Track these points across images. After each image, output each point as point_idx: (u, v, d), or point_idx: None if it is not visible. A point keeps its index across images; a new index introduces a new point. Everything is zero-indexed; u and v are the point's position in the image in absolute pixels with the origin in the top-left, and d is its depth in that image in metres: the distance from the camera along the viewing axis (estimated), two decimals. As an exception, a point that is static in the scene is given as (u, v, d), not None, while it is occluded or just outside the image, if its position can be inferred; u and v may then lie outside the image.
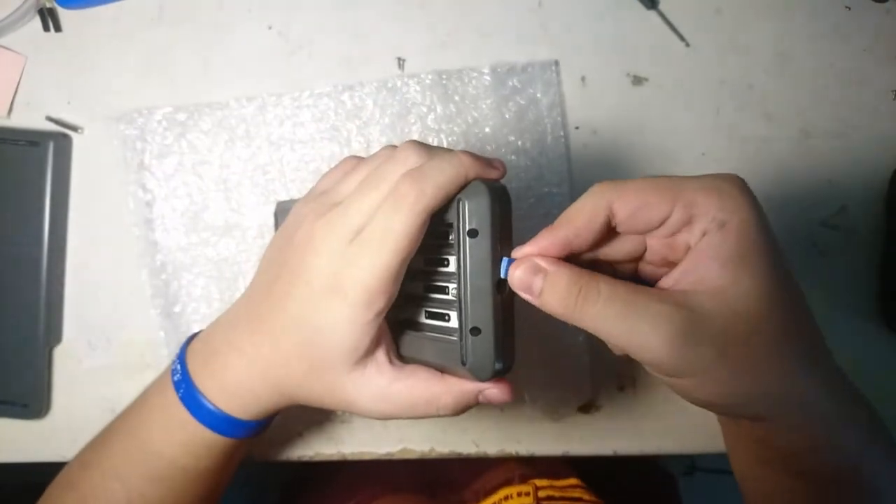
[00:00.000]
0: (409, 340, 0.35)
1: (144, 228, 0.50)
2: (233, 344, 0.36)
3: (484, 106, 0.49)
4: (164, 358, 0.50)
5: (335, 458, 0.50)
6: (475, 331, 0.31)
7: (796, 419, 0.29)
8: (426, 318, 0.34)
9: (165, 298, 0.49)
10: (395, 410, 0.33)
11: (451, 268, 0.33)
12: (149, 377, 0.48)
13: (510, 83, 0.49)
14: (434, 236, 0.33)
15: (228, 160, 0.50)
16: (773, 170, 0.50)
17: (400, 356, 0.35)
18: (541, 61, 0.49)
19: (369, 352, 0.33)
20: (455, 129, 0.49)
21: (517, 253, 0.31)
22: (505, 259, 0.31)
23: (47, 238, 0.49)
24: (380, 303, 0.31)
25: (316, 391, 0.34)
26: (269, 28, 0.50)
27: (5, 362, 0.49)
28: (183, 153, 0.50)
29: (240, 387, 0.35)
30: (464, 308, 0.31)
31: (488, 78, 0.49)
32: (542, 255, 0.30)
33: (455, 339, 0.32)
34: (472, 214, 0.30)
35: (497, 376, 0.32)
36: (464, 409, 0.34)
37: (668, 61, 0.50)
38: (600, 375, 0.49)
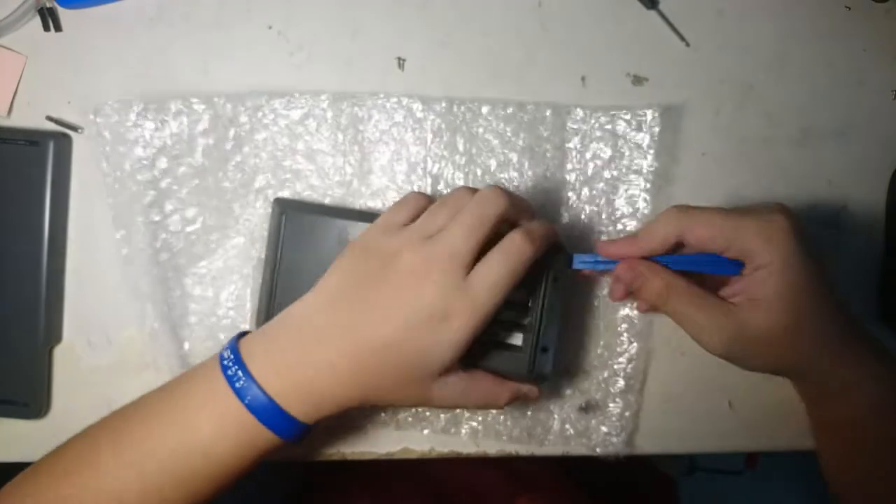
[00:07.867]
0: (471, 349, 0.40)
1: (141, 229, 0.49)
2: (323, 358, 0.38)
3: (499, 140, 0.49)
4: (163, 359, 0.49)
5: (335, 457, 0.50)
6: (545, 350, 0.42)
7: (815, 377, 0.42)
8: (491, 335, 0.42)
9: (166, 303, 0.49)
10: (465, 404, 0.41)
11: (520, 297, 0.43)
12: (149, 377, 0.49)
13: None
14: None
15: (227, 160, 0.49)
16: (773, 170, 0.50)
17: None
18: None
19: (454, 364, 0.39)
20: (478, 160, 0.49)
21: (612, 248, 0.42)
22: (575, 255, 0.43)
23: (47, 238, 0.49)
24: (480, 330, 0.38)
25: (398, 397, 0.40)
26: (269, 28, 0.50)
27: (5, 362, 0.49)
28: (181, 152, 0.49)
29: (327, 398, 0.38)
30: (540, 332, 0.42)
31: (511, 110, 0.49)
32: (637, 260, 0.41)
33: (519, 353, 0.43)
34: (557, 268, 0.42)
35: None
36: (511, 403, 0.42)
37: (668, 61, 0.50)
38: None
